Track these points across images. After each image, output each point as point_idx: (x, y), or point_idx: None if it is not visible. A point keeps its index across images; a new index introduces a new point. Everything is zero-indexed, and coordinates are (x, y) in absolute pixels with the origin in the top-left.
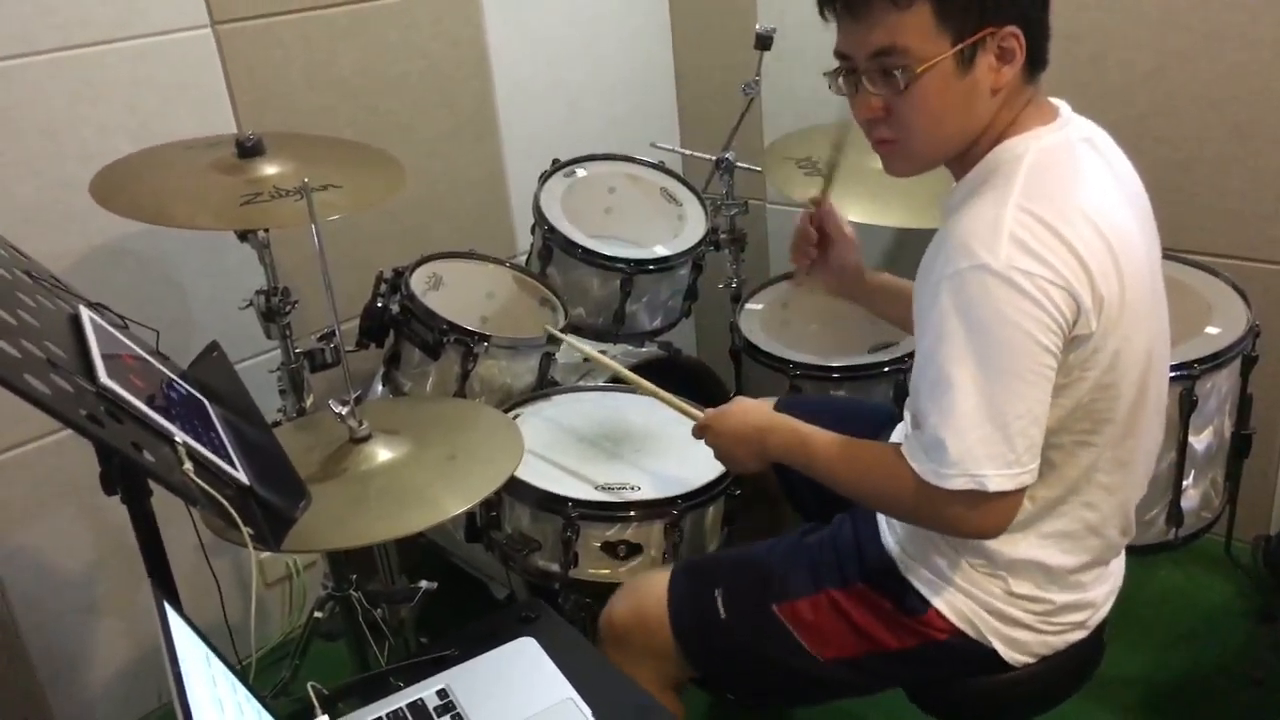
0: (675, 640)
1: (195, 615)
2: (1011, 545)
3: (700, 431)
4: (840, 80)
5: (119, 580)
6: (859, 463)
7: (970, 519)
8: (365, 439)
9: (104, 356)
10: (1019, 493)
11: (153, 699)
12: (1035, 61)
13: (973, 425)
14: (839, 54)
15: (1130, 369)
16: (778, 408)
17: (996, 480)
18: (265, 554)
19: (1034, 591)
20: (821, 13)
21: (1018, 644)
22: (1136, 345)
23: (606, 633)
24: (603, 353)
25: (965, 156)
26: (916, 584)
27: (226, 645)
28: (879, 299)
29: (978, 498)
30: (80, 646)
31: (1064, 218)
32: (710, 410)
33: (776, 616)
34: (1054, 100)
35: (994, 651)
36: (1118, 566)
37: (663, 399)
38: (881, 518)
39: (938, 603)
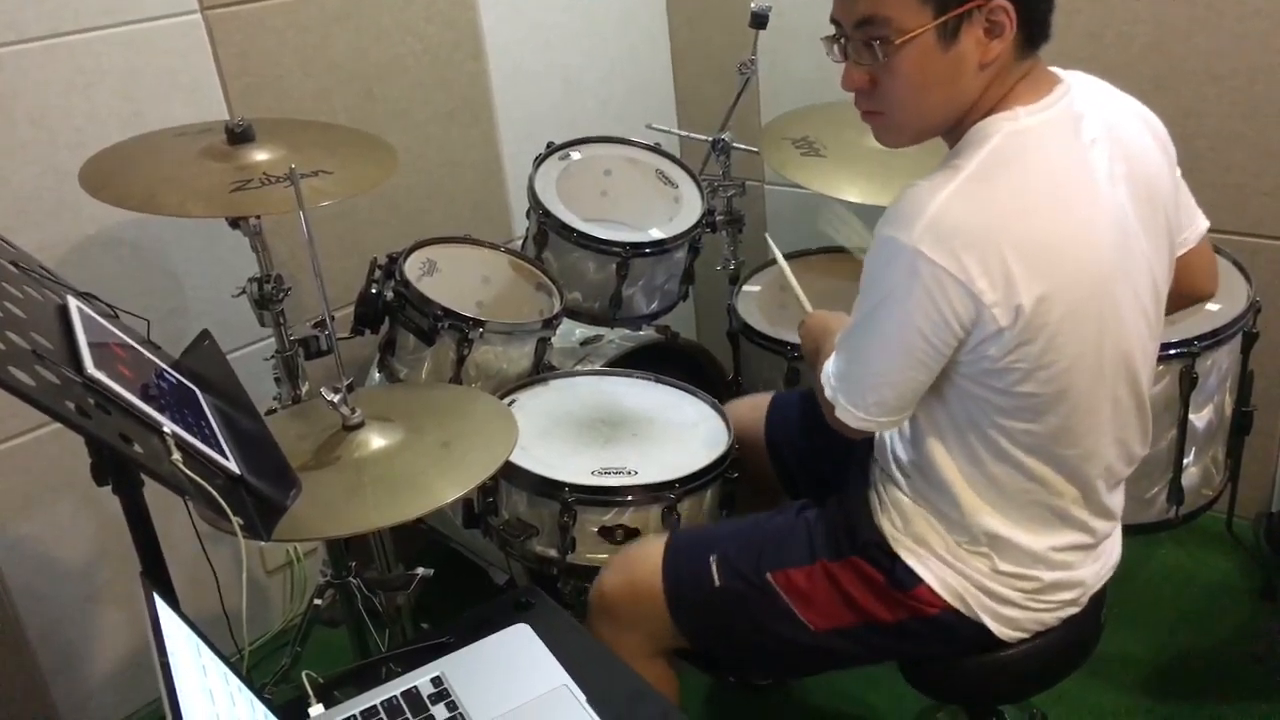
0: (668, 607)
1: (195, 605)
2: (991, 526)
3: (800, 324)
4: (835, 47)
5: (119, 570)
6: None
7: (832, 420)
8: (358, 426)
9: (91, 347)
10: (865, 430)
11: (155, 688)
12: (1034, 35)
13: (842, 362)
14: (833, 20)
15: (1072, 366)
16: (775, 401)
17: (842, 410)
18: (263, 543)
19: (1020, 570)
20: None
21: (1009, 620)
22: (1081, 343)
23: (596, 603)
24: (598, 338)
25: (955, 130)
26: (907, 559)
27: (224, 634)
28: None
29: (832, 408)
30: (81, 637)
31: (1005, 210)
32: (812, 314)
33: (771, 584)
34: (1059, 72)
35: (985, 627)
36: (1111, 545)
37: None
38: (873, 496)
39: (928, 578)
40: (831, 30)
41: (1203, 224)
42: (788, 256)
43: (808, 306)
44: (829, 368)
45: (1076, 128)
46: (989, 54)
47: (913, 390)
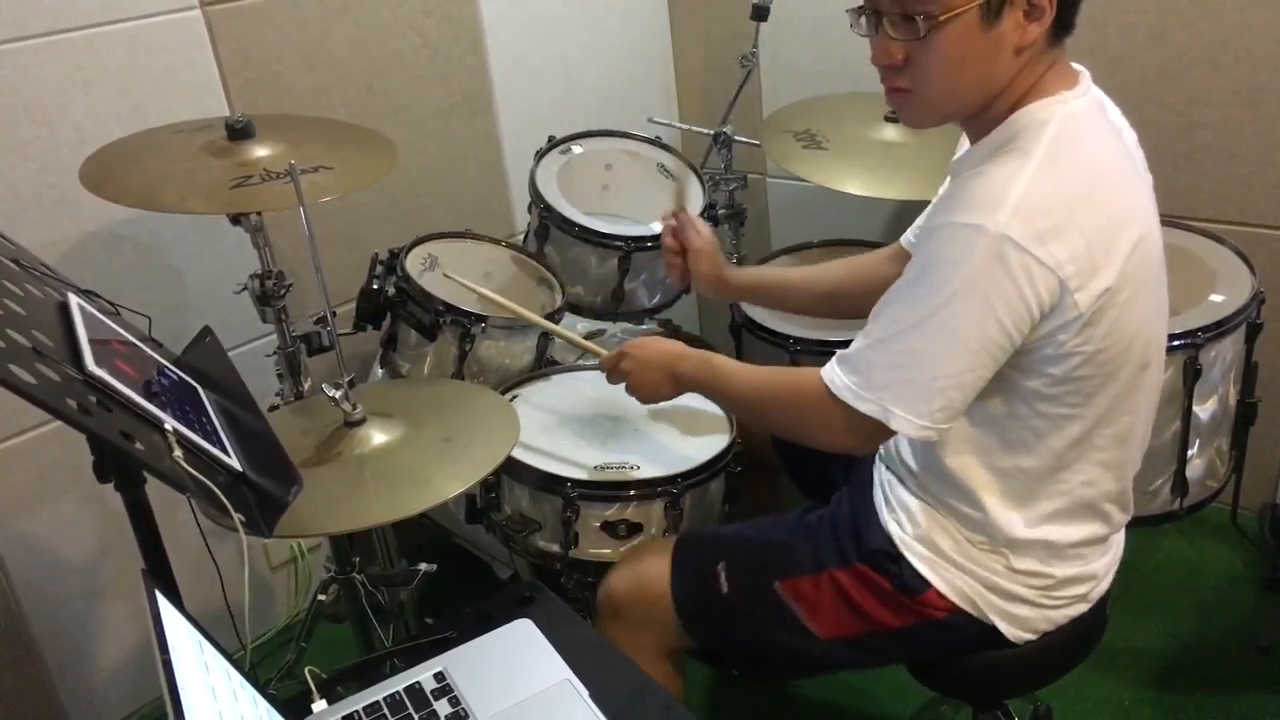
0: (675, 612)
1: (199, 601)
2: (1011, 524)
3: (614, 361)
4: (862, 20)
5: (124, 566)
6: (764, 380)
7: (857, 441)
8: (360, 422)
9: (92, 344)
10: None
11: (161, 684)
12: (1063, 24)
13: (894, 366)
14: None
15: (1127, 347)
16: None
17: (900, 421)
18: (265, 539)
19: (1036, 567)
20: None
21: (1019, 620)
22: (1136, 324)
23: (605, 604)
24: (601, 331)
25: (982, 117)
26: (915, 563)
27: (229, 630)
28: (755, 296)
29: (875, 425)
30: (86, 633)
31: (1080, 193)
32: (628, 342)
33: (778, 593)
34: (1075, 65)
35: (994, 628)
36: (1118, 539)
37: (565, 338)
38: (879, 497)
39: (936, 582)
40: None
41: None
42: (790, 250)
43: (601, 350)
44: (846, 381)
45: (1106, 115)
46: (1026, 37)
47: (976, 389)
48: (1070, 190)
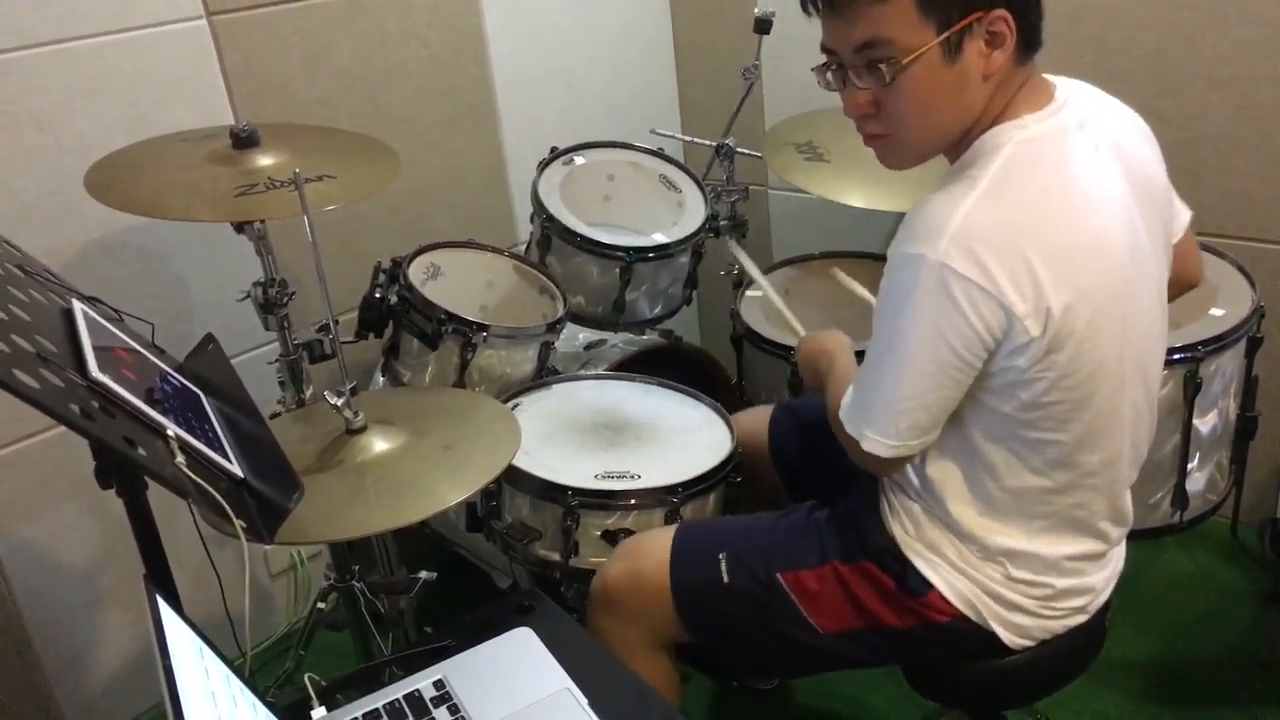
0: (674, 601)
1: (199, 608)
2: (1002, 536)
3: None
4: (829, 75)
5: (124, 573)
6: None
7: (857, 456)
8: (361, 430)
9: (96, 350)
10: (897, 460)
11: (160, 691)
12: (1028, 43)
13: (869, 390)
14: (825, 49)
15: (1096, 372)
16: (778, 410)
17: (871, 442)
18: (266, 546)
19: (1033, 577)
20: (805, 8)
21: (1018, 628)
22: (1104, 349)
23: (599, 595)
24: (602, 342)
25: (959, 145)
26: (919, 565)
27: (228, 637)
28: None
29: (857, 445)
30: (87, 640)
31: (1024, 221)
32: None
33: (780, 584)
34: (1052, 79)
35: (994, 635)
36: (1118, 552)
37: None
38: (884, 499)
39: (940, 585)
40: (823, 59)
41: (1186, 215)
42: (792, 261)
43: (800, 329)
44: (845, 401)
45: (1080, 133)
46: (992, 65)
47: (944, 408)
48: (1013, 218)
